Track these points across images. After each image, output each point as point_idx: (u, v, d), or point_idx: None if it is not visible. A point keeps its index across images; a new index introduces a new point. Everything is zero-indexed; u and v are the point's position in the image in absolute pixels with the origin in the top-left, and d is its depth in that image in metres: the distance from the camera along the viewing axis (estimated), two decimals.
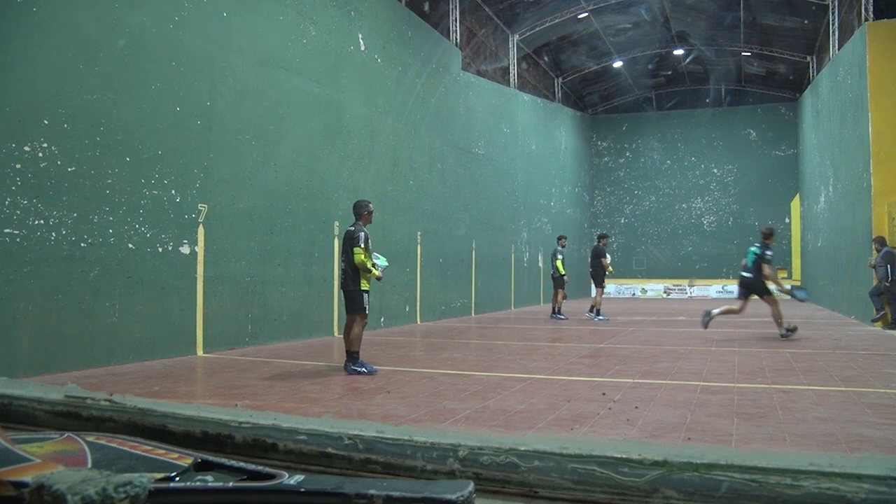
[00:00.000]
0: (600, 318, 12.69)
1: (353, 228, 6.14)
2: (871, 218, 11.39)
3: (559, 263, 12.95)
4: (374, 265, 6.10)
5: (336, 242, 9.65)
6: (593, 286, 13.27)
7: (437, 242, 13.04)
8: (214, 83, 7.59)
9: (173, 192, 6.99)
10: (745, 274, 9.00)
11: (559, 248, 13.17)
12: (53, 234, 5.79)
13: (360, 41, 10.58)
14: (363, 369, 5.91)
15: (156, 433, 0.93)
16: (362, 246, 5.97)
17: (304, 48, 9.15)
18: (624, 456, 0.70)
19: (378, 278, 6.14)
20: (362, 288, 6.08)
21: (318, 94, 9.48)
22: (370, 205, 6.35)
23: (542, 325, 12.23)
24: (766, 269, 8.74)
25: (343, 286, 6.17)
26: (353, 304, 6.11)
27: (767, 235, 9.00)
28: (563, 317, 13.06)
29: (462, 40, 15.38)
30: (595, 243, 13.39)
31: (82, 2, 6.14)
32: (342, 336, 6.22)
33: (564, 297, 13.46)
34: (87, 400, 1.02)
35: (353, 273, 6.07)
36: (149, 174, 6.72)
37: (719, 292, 24.71)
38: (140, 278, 6.60)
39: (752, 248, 8.89)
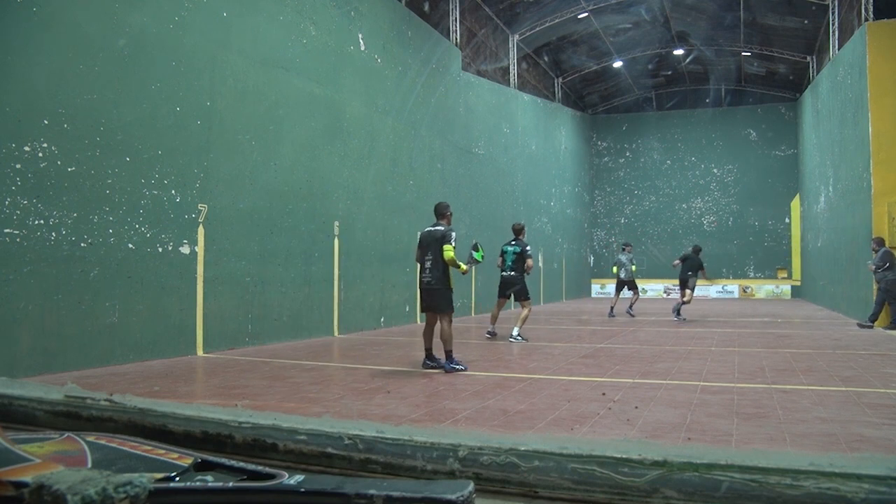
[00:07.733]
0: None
1: (440, 227, 6.34)
2: (871, 218, 11.38)
3: (614, 269, 13.86)
4: (466, 261, 6.82)
5: (336, 242, 9.66)
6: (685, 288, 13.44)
7: None
8: (214, 83, 7.59)
9: (173, 192, 6.99)
10: (508, 273, 8.90)
11: (620, 254, 14.02)
12: (53, 234, 5.79)
13: (360, 41, 10.58)
14: (461, 367, 6.12)
15: (156, 433, 0.92)
16: (453, 244, 6.24)
17: (304, 48, 9.15)
18: (624, 456, 0.70)
19: (464, 272, 6.46)
20: (450, 286, 6.30)
21: (318, 94, 9.48)
22: (450, 206, 6.72)
23: (541, 325, 12.22)
24: (530, 262, 8.90)
25: (428, 285, 6.29)
26: (443, 302, 6.25)
27: (521, 231, 8.95)
28: (613, 315, 13.73)
29: (462, 40, 15.38)
30: (688, 250, 13.66)
31: (82, 2, 6.14)
32: (422, 335, 6.45)
33: (616, 301, 14.15)
34: (87, 400, 1.02)
35: (441, 272, 6.22)
36: (149, 174, 6.72)
37: (719, 292, 24.71)
38: (140, 278, 6.60)
39: (511, 247, 8.81)
